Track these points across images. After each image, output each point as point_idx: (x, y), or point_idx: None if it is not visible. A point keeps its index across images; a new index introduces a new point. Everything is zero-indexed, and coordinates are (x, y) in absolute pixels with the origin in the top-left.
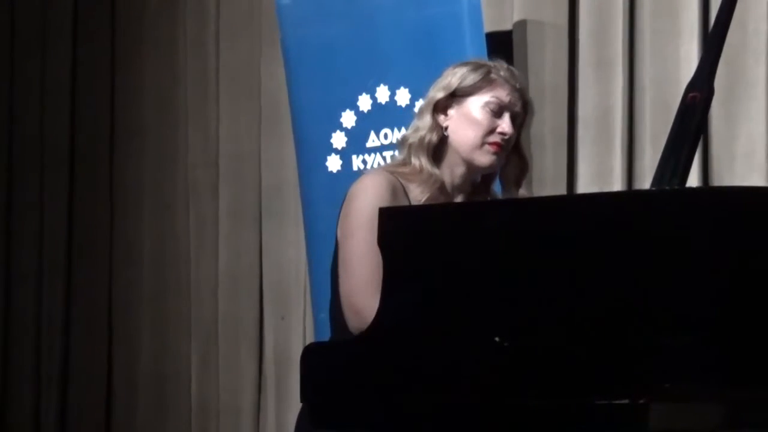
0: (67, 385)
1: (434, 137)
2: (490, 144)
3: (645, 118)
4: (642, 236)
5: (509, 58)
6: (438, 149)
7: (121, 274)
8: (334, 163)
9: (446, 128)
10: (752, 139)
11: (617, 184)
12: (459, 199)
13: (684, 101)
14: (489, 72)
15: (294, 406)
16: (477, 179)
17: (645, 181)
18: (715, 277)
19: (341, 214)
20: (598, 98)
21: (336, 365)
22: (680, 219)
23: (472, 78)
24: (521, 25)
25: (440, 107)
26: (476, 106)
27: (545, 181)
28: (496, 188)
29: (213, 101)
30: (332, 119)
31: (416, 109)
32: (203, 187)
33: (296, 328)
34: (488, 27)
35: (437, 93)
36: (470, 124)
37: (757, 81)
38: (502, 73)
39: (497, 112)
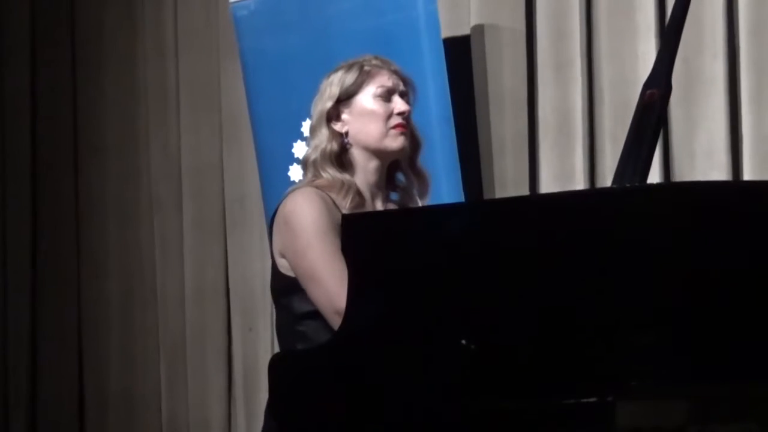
0: (36, 404)
1: (335, 146)
2: (394, 127)
3: (605, 119)
4: (605, 234)
5: (467, 63)
6: (342, 156)
7: (87, 291)
8: (296, 173)
9: (346, 133)
10: (712, 137)
11: (579, 185)
12: (379, 197)
13: (642, 99)
14: (362, 66)
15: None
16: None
17: (607, 181)
18: (679, 274)
19: (280, 235)
20: (558, 100)
21: (304, 373)
22: (642, 216)
23: (349, 78)
24: (479, 29)
25: (332, 116)
26: (366, 99)
27: (507, 184)
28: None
29: (173, 115)
30: (293, 129)
31: (307, 132)
32: (166, 201)
33: (264, 339)
34: (445, 32)
35: (325, 104)
36: (368, 118)
37: (715, 79)
38: (374, 62)
39: (387, 97)
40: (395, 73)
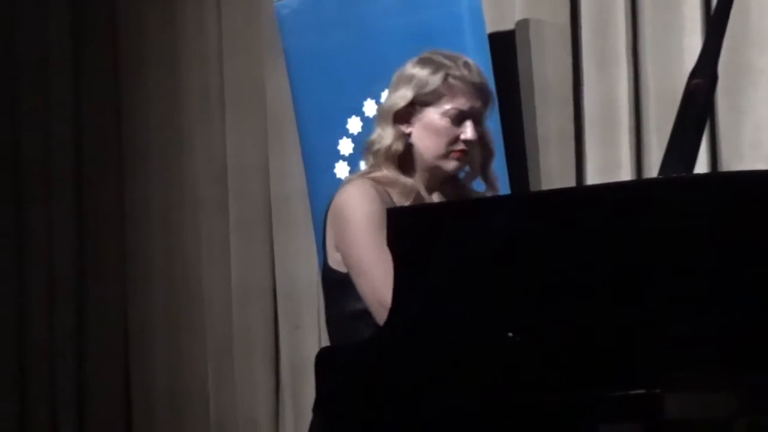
0: (84, 407)
1: (400, 147)
2: (455, 152)
3: (650, 112)
4: (652, 225)
5: (512, 58)
6: (405, 156)
7: (133, 294)
8: (342, 170)
9: (410, 134)
10: (759, 129)
11: (626, 179)
12: (436, 195)
13: (688, 88)
14: (446, 77)
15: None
16: None
17: (653, 174)
18: (726, 263)
19: (334, 226)
20: (603, 94)
21: (350, 367)
22: (688, 206)
23: (430, 85)
24: (523, 24)
25: (400, 116)
26: (437, 116)
27: (552, 178)
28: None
29: (218, 115)
30: (338, 126)
31: (376, 113)
32: (212, 201)
33: (311, 337)
34: (490, 27)
35: (397, 101)
36: (433, 134)
37: (762, 70)
38: (458, 73)
39: (458, 120)
40: (478, 88)
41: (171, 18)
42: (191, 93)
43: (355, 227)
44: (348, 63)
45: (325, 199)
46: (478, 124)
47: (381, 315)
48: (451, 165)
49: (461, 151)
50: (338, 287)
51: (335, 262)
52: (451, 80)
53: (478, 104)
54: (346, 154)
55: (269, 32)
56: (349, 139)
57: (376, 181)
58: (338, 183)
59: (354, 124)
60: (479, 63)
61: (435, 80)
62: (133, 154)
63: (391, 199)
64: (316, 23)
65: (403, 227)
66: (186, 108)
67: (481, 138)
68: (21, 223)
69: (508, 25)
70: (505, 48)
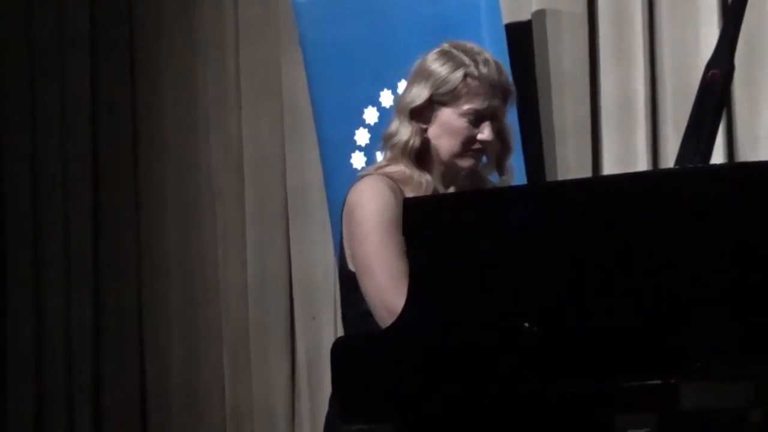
0: (100, 398)
1: (416, 142)
2: (472, 151)
3: (667, 103)
4: (668, 215)
5: (529, 48)
6: (422, 151)
7: (149, 284)
8: (358, 161)
9: (426, 130)
10: None
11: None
12: (452, 188)
13: (704, 79)
14: (465, 76)
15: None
16: None
17: (669, 165)
18: (743, 253)
19: (347, 223)
20: (620, 85)
21: (366, 357)
22: (705, 196)
23: (448, 85)
24: (540, 14)
25: (417, 113)
26: (454, 116)
27: (569, 169)
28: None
29: (234, 105)
30: (355, 116)
31: (394, 105)
32: (228, 192)
33: (327, 328)
34: (506, 18)
35: (414, 99)
36: (449, 134)
37: None
38: (477, 72)
39: (476, 121)
40: (497, 86)
41: (188, 7)
42: (208, 83)
43: (363, 227)
44: (364, 53)
45: (341, 189)
46: (496, 121)
47: (384, 319)
48: (467, 163)
49: (478, 150)
50: (353, 285)
51: (349, 259)
52: (469, 80)
53: (496, 102)
54: (363, 145)
55: (286, 22)
56: (366, 130)
57: (391, 177)
58: (355, 173)
59: (370, 115)
60: (496, 54)
61: (453, 80)
62: (149, 145)
63: (404, 195)
64: (332, 13)
65: (418, 217)
66: (202, 98)
67: (500, 133)
68: (37, 215)
69: (524, 16)
70: (521, 38)
